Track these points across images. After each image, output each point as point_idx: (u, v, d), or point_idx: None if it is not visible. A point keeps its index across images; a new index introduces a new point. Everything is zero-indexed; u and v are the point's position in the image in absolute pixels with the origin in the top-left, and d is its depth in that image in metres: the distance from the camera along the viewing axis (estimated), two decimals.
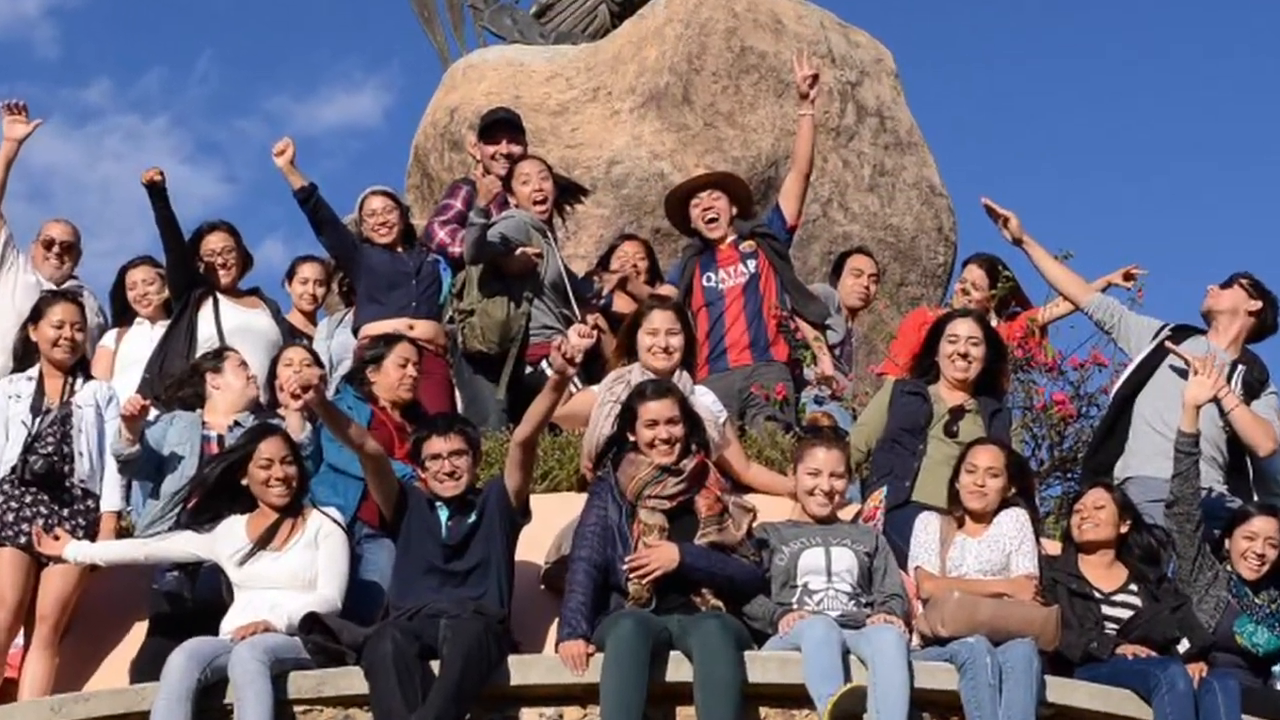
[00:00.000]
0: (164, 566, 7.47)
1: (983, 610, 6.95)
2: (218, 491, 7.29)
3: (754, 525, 7.19)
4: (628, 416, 7.27)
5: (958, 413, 7.93)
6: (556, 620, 7.05)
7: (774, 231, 9.42)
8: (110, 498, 8.07)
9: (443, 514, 7.23)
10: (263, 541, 7.15)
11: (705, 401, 7.94)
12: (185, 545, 7.28)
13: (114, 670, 7.66)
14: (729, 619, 6.84)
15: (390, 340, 8.17)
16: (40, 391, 8.09)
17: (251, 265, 9.69)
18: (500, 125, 9.80)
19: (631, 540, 7.02)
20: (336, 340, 9.63)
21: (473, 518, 7.18)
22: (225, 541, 7.19)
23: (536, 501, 7.47)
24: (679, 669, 6.73)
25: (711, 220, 9.37)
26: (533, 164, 9.45)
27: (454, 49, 12.61)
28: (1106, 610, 7.36)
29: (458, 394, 9.29)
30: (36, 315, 8.28)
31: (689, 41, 11.72)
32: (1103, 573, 7.49)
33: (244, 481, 7.27)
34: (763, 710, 6.77)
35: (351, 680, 6.73)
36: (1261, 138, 30.08)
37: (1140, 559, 7.55)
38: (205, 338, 9.15)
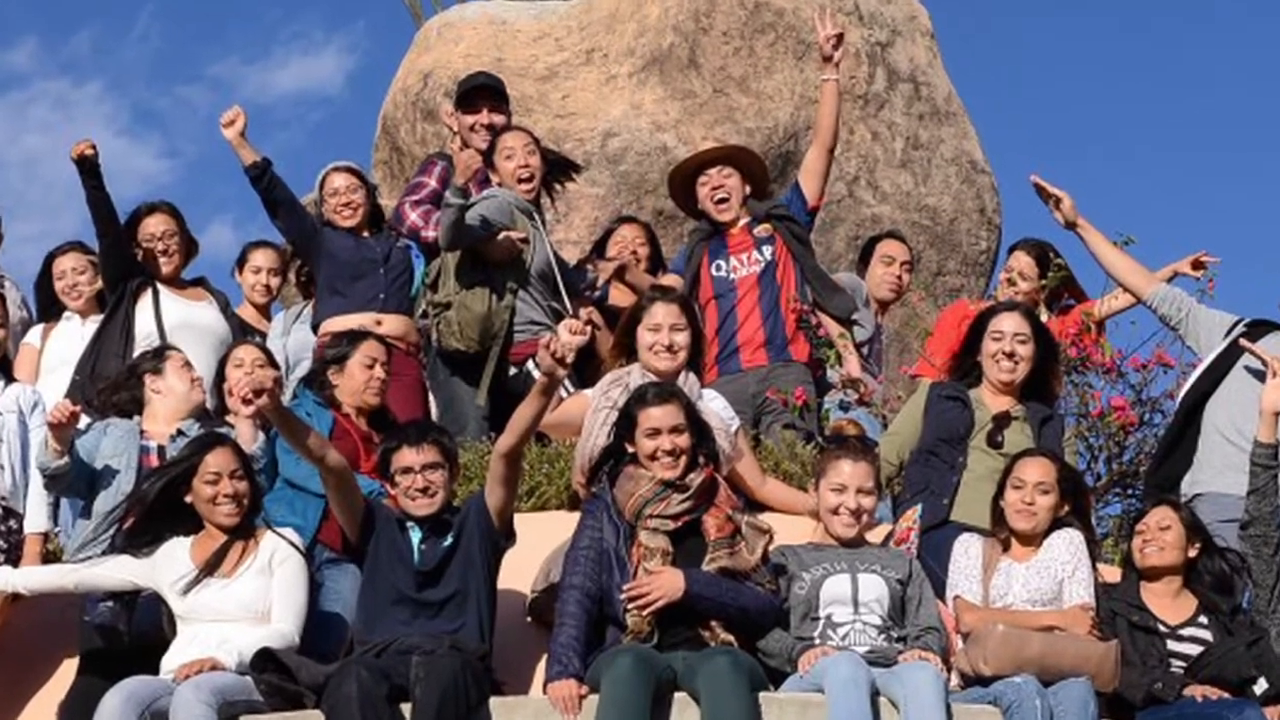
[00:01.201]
0: (97, 596, 7.46)
1: (1031, 645, 6.96)
2: (158, 510, 7.29)
3: (770, 548, 7.20)
4: (626, 425, 7.28)
5: (1003, 420, 7.93)
6: (545, 657, 7.06)
7: (793, 213, 9.43)
8: (35, 517, 8.07)
9: (415, 536, 7.23)
10: (209, 567, 7.15)
11: (714, 407, 7.94)
12: (121, 572, 7.28)
13: (40, 713, 7.66)
14: (741, 656, 6.84)
15: (355, 338, 8.17)
16: None
17: (197, 252, 9.71)
18: (480, 92, 9.81)
19: (630, 566, 7.02)
20: (293, 337, 9.64)
21: (449, 540, 7.19)
22: (167, 567, 7.19)
23: (522, 521, 7.48)
24: (684, 712, 6.73)
25: (721, 201, 9.38)
26: (517, 136, 9.46)
27: (428, 5, 12.64)
28: (1173, 645, 7.36)
29: (432, 399, 9.29)
30: None
31: None
32: (1168, 603, 7.49)
33: (188, 499, 7.27)
34: None
35: None
36: None
37: (1211, 587, 7.55)
38: (144, 335, 9.17)
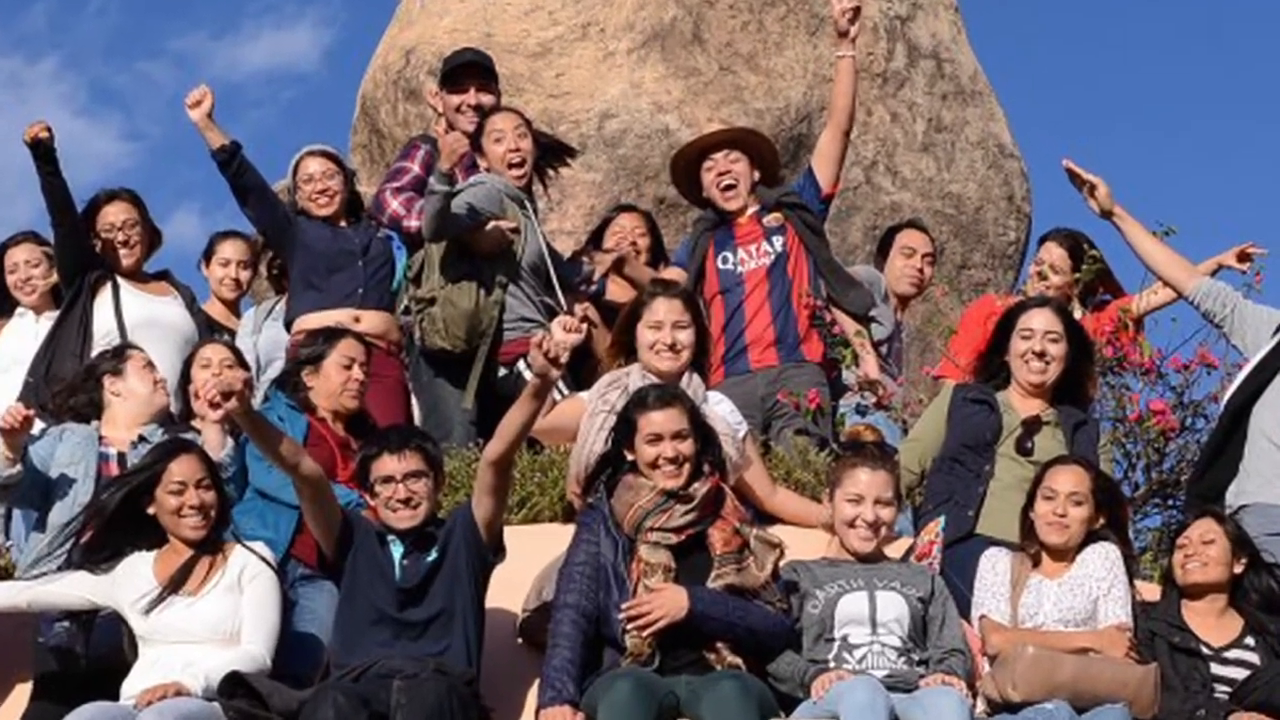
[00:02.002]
0: (52, 615, 7.46)
1: (1064, 669, 6.96)
2: (118, 523, 7.28)
3: (781, 564, 7.20)
4: (625, 430, 7.28)
5: (1033, 425, 7.94)
6: (537, 682, 7.06)
7: (806, 201, 9.43)
8: None
9: (396, 550, 7.23)
10: (174, 584, 7.15)
11: (721, 411, 7.95)
12: (78, 589, 7.28)
13: None
14: (750, 680, 6.85)
15: (331, 336, 8.17)
16: None
17: (160, 243, 9.72)
18: (467, 70, 9.82)
19: (629, 583, 7.02)
20: (265, 335, 9.65)
21: (433, 555, 7.19)
22: (127, 585, 7.19)
23: (512, 535, 7.48)
24: None
25: (728, 188, 9.39)
26: (507, 118, 9.46)
27: None
28: (1217, 669, 7.37)
29: (414, 402, 9.30)
30: None
31: None
32: (1212, 623, 7.50)
33: (151, 510, 7.27)
34: None
35: None
36: None
37: (1259, 606, 7.55)
38: (103, 332, 9.18)
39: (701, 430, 7.29)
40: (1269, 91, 31.17)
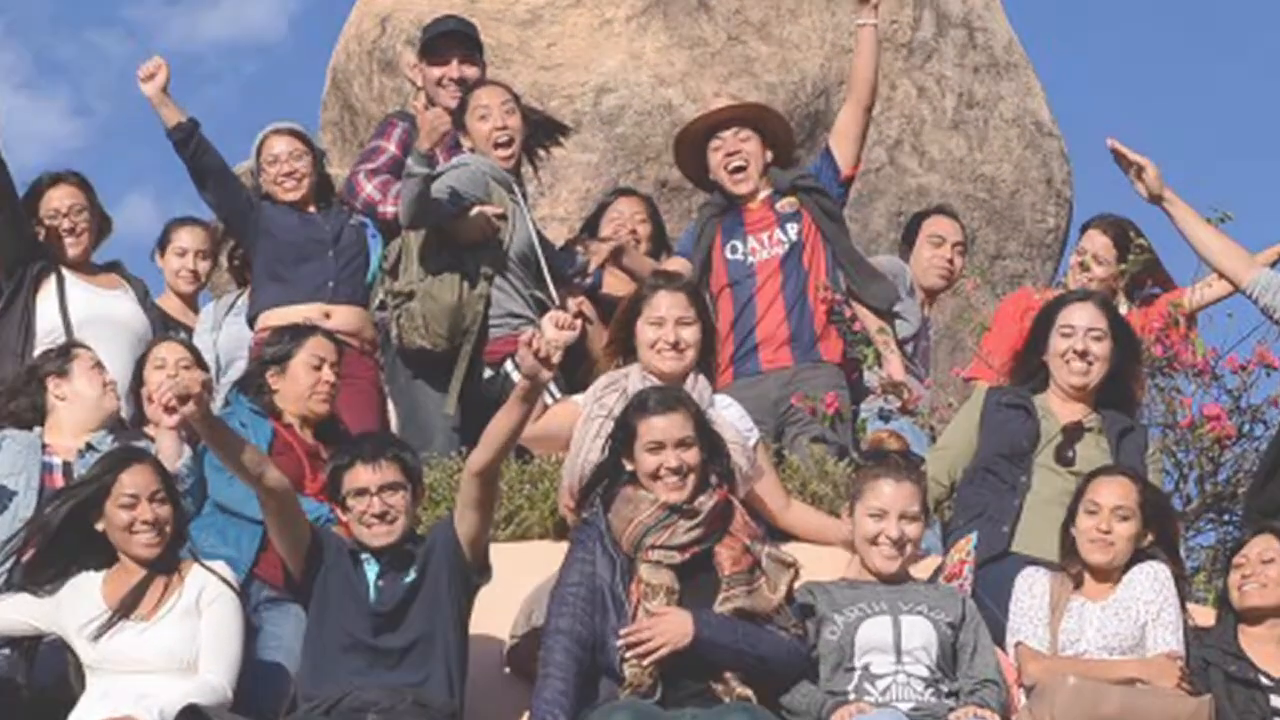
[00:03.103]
0: None
1: (1108, 701, 6.97)
2: (63, 539, 7.29)
3: (796, 585, 7.21)
4: (623, 437, 7.28)
5: (1074, 432, 7.94)
6: (526, 715, 7.07)
7: (823, 185, 9.44)
8: None
9: (370, 570, 7.24)
10: (125, 608, 7.15)
11: (729, 417, 7.95)
12: (18, 613, 7.28)
13: None
14: (761, 713, 6.86)
15: (299, 333, 8.18)
16: None
17: (110, 231, 9.72)
18: (449, 40, 9.82)
19: (629, 606, 7.03)
20: (226, 333, 9.66)
21: (411, 575, 7.19)
22: (74, 608, 7.20)
23: (498, 553, 7.48)
24: None
25: (737, 169, 9.39)
26: (493, 93, 9.47)
27: None
28: (1277, 701, 7.38)
29: (391, 406, 9.30)
30: None
31: None
32: (1272, 651, 7.51)
33: (99, 526, 7.28)
34: None
35: None
36: None
37: None
38: (46, 330, 9.18)
39: (707, 438, 7.28)
40: None
